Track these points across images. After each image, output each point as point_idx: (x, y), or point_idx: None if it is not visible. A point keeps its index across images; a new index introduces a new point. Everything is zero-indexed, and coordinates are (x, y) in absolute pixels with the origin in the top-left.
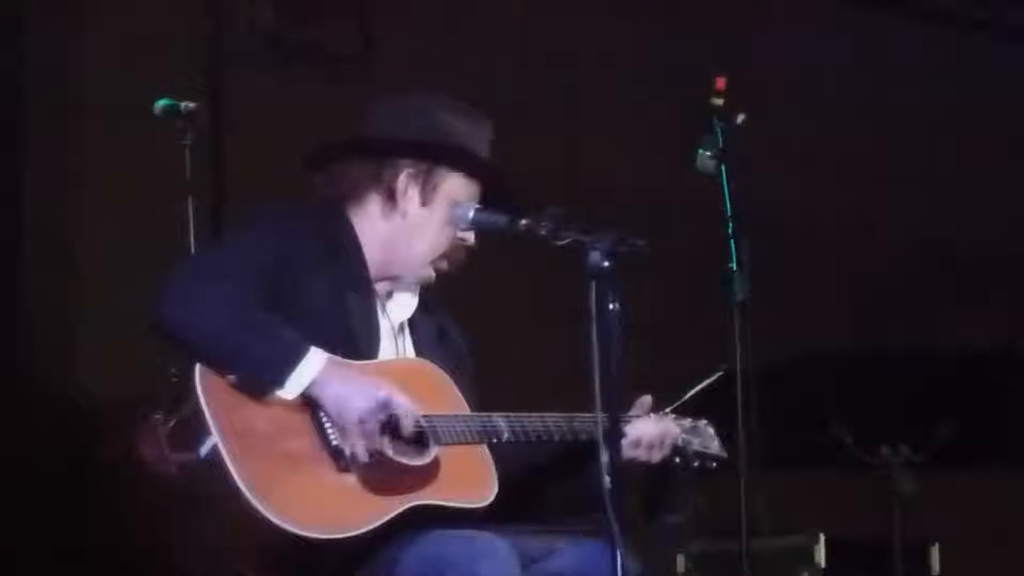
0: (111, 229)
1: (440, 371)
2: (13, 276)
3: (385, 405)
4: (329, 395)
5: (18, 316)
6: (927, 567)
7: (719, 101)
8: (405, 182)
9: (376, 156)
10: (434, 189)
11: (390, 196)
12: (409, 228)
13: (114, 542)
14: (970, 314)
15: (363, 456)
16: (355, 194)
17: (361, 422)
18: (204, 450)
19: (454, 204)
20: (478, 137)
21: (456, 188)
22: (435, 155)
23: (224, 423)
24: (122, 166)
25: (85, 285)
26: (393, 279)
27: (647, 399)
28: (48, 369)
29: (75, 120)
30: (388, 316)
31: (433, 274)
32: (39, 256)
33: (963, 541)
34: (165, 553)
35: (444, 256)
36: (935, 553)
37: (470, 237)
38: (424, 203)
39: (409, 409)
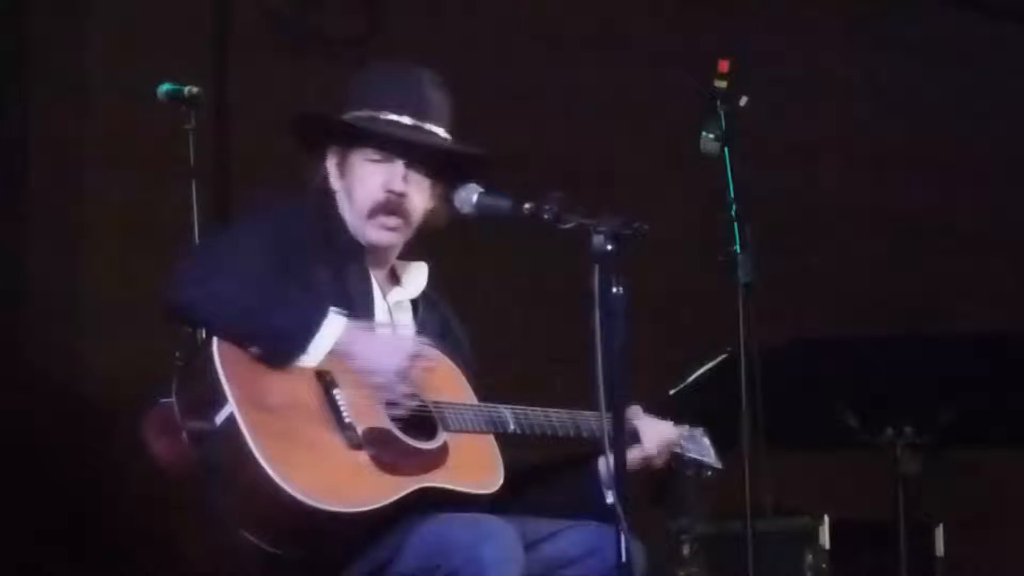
0: (113, 222)
1: (449, 361)
2: (13, 274)
3: (416, 356)
4: (357, 353)
5: (19, 314)
6: (931, 548)
7: (722, 83)
8: (330, 165)
9: (311, 153)
10: (346, 158)
11: (326, 179)
12: (342, 201)
13: (117, 540)
14: (975, 296)
15: (407, 397)
16: (317, 183)
17: (398, 375)
18: (220, 418)
19: (369, 160)
20: (395, 91)
21: (366, 151)
22: (335, 131)
23: (241, 393)
24: (124, 155)
25: (87, 282)
26: (375, 255)
27: (636, 407)
28: (49, 367)
29: (77, 110)
30: (386, 299)
31: (375, 235)
32: (40, 252)
33: (967, 522)
34: (170, 547)
35: (378, 209)
36: (939, 534)
37: (396, 184)
38: (342, 174)
39: (436, 355)
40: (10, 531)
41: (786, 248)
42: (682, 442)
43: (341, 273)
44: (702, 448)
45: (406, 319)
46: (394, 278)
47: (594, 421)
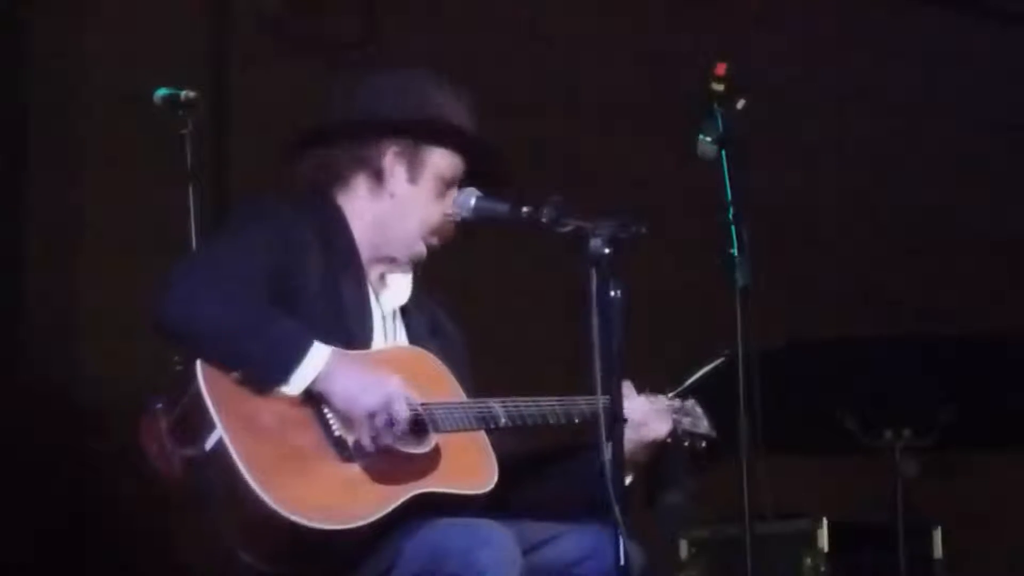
0: (112, 226)
1: (436, 359)
2: (13, 276)
3: (393, 400)
4: (336, 391)
5: (18, 316)
6: (930, 550)
7: (719, 87)
8: (392, 161)
9: (359, 139)
10: (421, 165)
11: (377, 177)
12: (399, 206)
13: (116, 541)
14: (974, 297)
15: (370, 448)
16: (341, 178)
17: (370, 417)
18: (209, 444)
19: (440, 180)
20: (459, 109)
21: (443, 163)
22: (418, 132)
23: (228, 416)
24: (123, 159)
25: (86, 284)
26: (385, 261)
27: (627, 383)
28: (48, 369)
29: (76, 114)
30: (380, 304)
31: (424, 250)
32: (39, 255)
33: (966, 524)
34: (169, 549)
35: (435, 231)
36: (938, 537)
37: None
38: (411, 180)
39: (414, 403)
40: (10, 531)
41: (786, 248)
42: (673, 415)
43: (336, 276)
44: (695, 418)
45: (398, 324)
46: (382, 281)
47: (585, 405)
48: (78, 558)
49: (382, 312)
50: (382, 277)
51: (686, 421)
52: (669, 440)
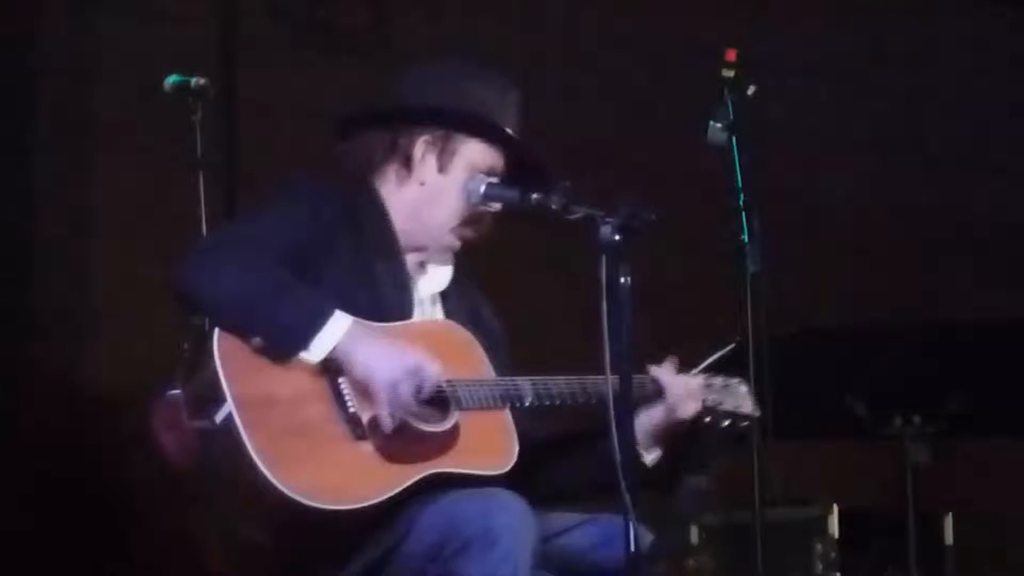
0: (119, 223)
1: (466, 333)
2: (19, 273)
3: (415, 372)
4: (356, 360)
5: (24, 314)
6: (941, 537)
7: (730, 72)
8: (422, 149)
9: (392, 125)
10: (452, 155)
11: (407, 164)
12: (429, 195)
13: (118, 540)
14: (984, 285)
15: (387, 424)
16: (376, 164)
17: (391, 388)
18: (220, 417)
19: (473, 171)
20: (500, 103)
21: (475, 154)
22: (449, 121)
23: (240, 390)
24: (130, 153)
25: (93, 278)
26: (420, 250)
27: (668, 364)
28: (53, 367)
29: (82, 109)
30: (418, 288)
31: (458, 243)
32: (45, 252)
33: (976, 511)
34: (174, 546)
35: (468, 224)
36: (948, 523)
37: (495, 204)
38: (442, 169)
39: (438, 376)
40: (13, 530)
41: (788, 244)
42: (714, 395)
43: (370, 259)
44: (737, 398)
45: (437, 308)
46: (421, 268)
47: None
48: (81, 557)
49: (419, 296)
50: (422, 265)
51: (728, 402)
52: (707, 420)
